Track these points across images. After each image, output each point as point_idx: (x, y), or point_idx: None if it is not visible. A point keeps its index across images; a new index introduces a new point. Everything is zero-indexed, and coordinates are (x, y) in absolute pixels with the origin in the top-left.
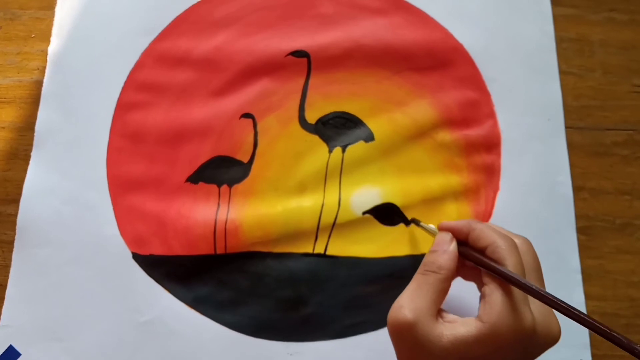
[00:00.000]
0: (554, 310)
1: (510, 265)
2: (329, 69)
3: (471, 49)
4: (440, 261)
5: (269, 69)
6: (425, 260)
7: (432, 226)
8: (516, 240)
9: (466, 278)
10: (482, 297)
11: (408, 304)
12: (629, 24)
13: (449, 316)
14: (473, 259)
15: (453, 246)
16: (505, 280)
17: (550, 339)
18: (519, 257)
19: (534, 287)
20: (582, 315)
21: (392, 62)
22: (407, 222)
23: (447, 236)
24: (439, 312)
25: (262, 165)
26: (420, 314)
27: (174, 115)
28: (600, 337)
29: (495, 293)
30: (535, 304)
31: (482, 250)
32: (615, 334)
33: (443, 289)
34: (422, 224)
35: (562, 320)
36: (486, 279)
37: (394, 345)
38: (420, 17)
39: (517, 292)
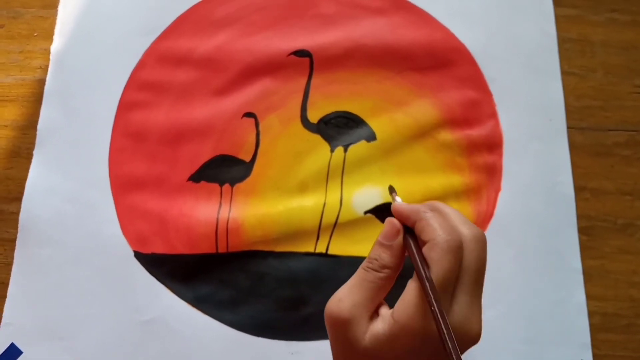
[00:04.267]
0: (477, 311)
1: (435, 272)
2: (330, 69)
3: (473, 48)
4: (384, 259)
5: (270, 68)
6: (371, 253)
7: (399, 199)
8: (466, 235)
9: None
10: (405, 290)
11: (346, 298)
12: (630, 25)
13: (381, 309)
14: (409, 254)
15: (398, 241)
16: (422, 287)
17: (467, 341)
18: (452, 261)
19: (436, 311)
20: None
21: (394, 61)
22: None
23: (394, 227)
24: (378, 305)
25: (264, 165)
26: (356, 312)
27: (176, 114)
28: (601, 336)
29: (412, 293)
30: (458, 304)
31: (422, 244)
32: None
33: (384, 286)
34: (394, 194)
35: (563, 320)
36: (414, 274)
37: (329, 335)
38: (422, 16)
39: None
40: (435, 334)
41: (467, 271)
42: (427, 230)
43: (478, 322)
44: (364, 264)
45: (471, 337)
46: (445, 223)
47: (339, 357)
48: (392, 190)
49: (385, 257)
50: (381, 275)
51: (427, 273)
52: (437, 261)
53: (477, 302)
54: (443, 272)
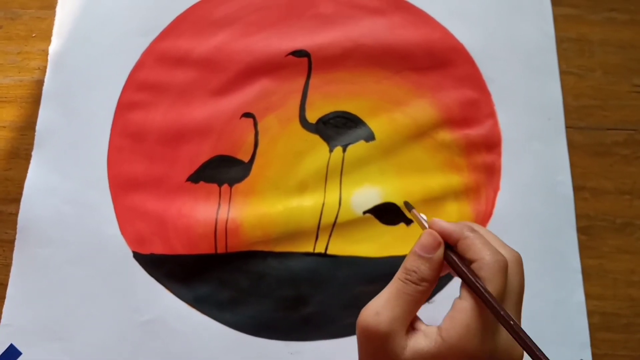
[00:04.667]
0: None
1: (492, 289)
2: (329, 69)
3: (471, 48)
4: (423, 271)
5: (268, 68)
6: (407, 264)
7: (424, 216)
8: (507, 257)
9: (452, 272)
10: (452, 308)
11: (384, 311)
12: (628, 24)
13: (417, 324)
14: (457, 271)
15: (439, 254)
16: (484, 304)
17: None
18: (503, 280)
19: (511, 322)
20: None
21: (392, 61)
22: (408, 222)
23: (435, 241)
24: (412, 319)
25: (263, 165)
26: (394, 325)
27: (175, 114)
28: (600, 335)
29: (464, 312)
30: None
31: (468, 263)
32: None
33: (421, 300)
34: (414, 211)
35: (563, 319)
36: (463, 292)
37: (360, 346)
38: (420, 16)
39: (486, 316)
40: (487, 353)
41: (511, 293)
42: (474, 249)
43: (521, 348)
44: (401, 275)
45: None
46: (489, 244)
47: None
48: (410, 207)
49: (425, 269)
50: (420, 288)
51: (487, 290)
52: (489, 281)
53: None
54: (495, 292)
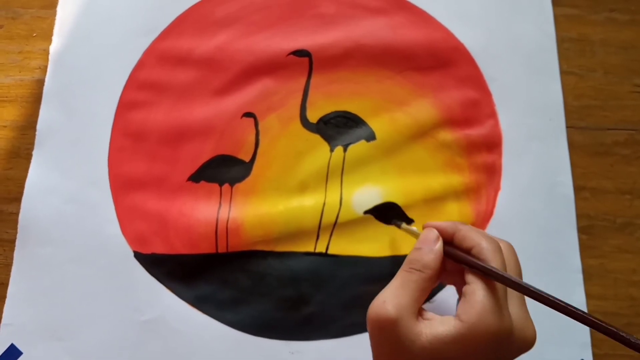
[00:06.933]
0: (529, 314)
1: (495, 266)
2: (330, 69)
3: (472, 48)
4: (426, 260)
5: (270, 68)
6: (410, 257)
7: (415, 229)
8: (500, 244)
9: (447, 281)
10: (463, 295)
11: (391, 299)
12: (629, 24)
13: (428, 314)
14: (459, 258)
15: (439, 245)
16: (494, 279)
17: (525, 344)
18: (502, 259)
19: (522, 283)
20: (568, 307)
21: (393, 61)
22: (409, 221)
23: (434, 234)
24: (419, 310)
25: (264, 165)
26: (402, 311)
27: (176, 114)
28: (601, 335)
29: (477, 292)
30: (513, 308)
31: (467, 251)
32: (614, 329)
33: (426, 288)
34: (404, 226)
35: (563, 320)
36: (470, 278)
37: (372, 339)
38: (421, 16)
39: (498, 294)
40: (508, 330)
41: (512, 273)
42: (469, 237)
43: (533, 325)
44: (405, 267)
45: (528, 341)
46: (483, 232)
47: (385, 358)
48: (399, 224)
49: (427, 259)
50: (424, 275)
51: (494, 267)
52: (491, 260)
53: (525, 305)
54: (499, 267)
